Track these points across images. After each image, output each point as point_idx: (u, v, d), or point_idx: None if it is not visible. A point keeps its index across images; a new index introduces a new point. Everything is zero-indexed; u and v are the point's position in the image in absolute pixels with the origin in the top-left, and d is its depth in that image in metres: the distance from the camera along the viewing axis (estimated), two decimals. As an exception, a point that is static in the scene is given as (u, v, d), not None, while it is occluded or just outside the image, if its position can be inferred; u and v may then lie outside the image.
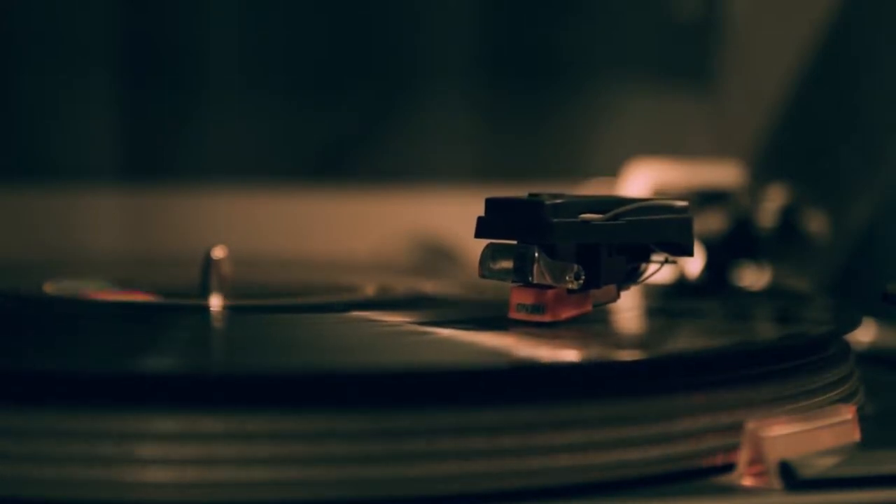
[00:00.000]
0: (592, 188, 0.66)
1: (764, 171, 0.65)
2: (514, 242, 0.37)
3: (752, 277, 0.57)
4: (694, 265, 0.55)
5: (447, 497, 0.30)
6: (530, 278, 0.36)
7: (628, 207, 0.37)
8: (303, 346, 0.36)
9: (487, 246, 0.37)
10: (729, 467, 0.32)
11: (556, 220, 0.36)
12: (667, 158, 0.62)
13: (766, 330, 0.43)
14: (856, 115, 0.65)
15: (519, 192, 0.38)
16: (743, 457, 0.32)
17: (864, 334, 0.49)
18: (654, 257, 0.39)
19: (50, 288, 0.47)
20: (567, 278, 0.37)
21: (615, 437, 0.31)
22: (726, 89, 0.74)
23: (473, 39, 0.75)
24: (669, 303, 0.48)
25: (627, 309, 0.42)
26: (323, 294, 0.47)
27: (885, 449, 0.34)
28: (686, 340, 0.39)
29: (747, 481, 0.32)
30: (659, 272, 0.39)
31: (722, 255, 0.57)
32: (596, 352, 0.35)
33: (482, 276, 0.38)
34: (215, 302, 0.43)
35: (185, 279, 0.48)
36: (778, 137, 0.69)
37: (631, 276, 0.39)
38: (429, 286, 0.50)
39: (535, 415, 0.30)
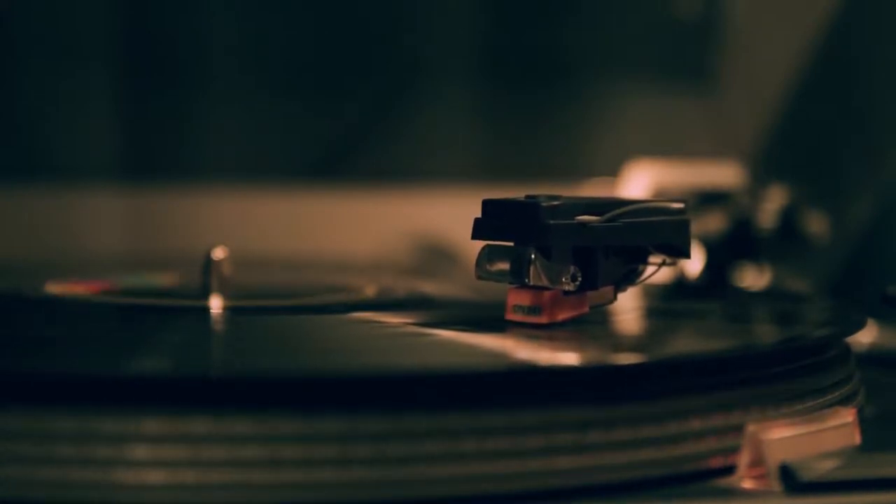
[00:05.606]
0: (592, 189, 0.66)
1: (764, 171, 0.65)
2: (511, 244, 0.37)
3: (752, 278, 0.57)
4: (694, 266, 0.55)
5: (446, 498, 0.29)
6: (527, 280, 0.36)
7: (625, 209, 0.37)
8: (303, 347, 0.36)
9: (484, 247, 0.37)
10: (729, 470, 0.32)
11: (552, 221, 0.36)
12: (667, 159, 0.62)
13: (766, 332, 0.43)
14: (856, 116, 0.65)
15: (519, 192, 0.38)
16: (743, 459, 0.32)
17: (865, 336, 0.49)
18: (652, 259, 0.39)
19: (50, 288, 0.47)
20: (564, 280, 0.37)
21: (614, 440, 0.31)
22: (726, 89, 0.74)
23: (474, 39, 0.75)
24: (669, 304, 0.48)
25: (626, 310, 0.42)
26: (323, 295, 0.47)
27: (885, 451, 0.34)
28: (686, 342, 0.39)
29: (748, 484, 0.31)
30: (657, 273, 0.39)
31: (722, 256, 0.57)
32: (593, 354, 0.35)
33: (479, 277, 0.37)
34: (215, 303, 0.43)
35: (185, 279, 0.48)
36: (778, 137, 0.69)
37: (628, 277, 0.39)
38: (429, 287, 0.50)
39: (534, 417, 0.30)
